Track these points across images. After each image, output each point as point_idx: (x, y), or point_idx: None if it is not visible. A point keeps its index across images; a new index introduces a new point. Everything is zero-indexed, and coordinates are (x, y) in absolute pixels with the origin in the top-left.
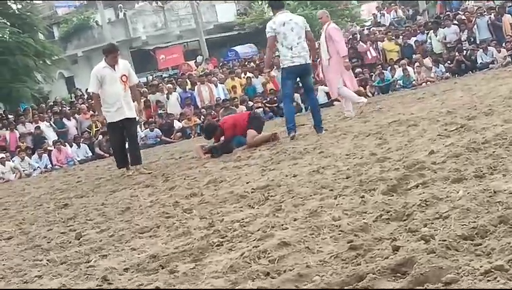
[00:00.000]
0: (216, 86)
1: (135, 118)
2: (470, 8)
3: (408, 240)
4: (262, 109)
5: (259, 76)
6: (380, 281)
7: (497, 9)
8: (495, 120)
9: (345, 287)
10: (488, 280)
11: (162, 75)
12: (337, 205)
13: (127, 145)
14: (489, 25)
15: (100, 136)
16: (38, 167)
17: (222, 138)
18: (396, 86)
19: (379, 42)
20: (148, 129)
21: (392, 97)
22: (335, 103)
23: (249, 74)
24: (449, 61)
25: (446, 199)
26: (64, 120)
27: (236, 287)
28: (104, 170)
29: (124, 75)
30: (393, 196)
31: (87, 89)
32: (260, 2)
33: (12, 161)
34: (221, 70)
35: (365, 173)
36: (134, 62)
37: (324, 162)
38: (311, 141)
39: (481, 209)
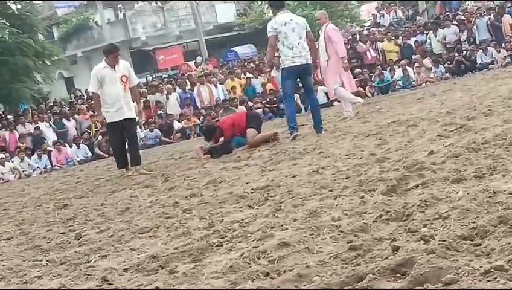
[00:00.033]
0: (216, 86)
1: (135, 118)
2: (469, 9)
3: (408, 241)
4: (261, 109)
5: (259, 76)
6: (380, 282)
7: (496, 9)
8: (494, 120)
9: (345, 288)
10: (488, 280)
11: (161, 76)
12: (336, 205)
13: (126, 146)
14: (489, 25)
15: (100, 137)
16: (37, 167)
17: (221, 139)
18: (396, 87)
19: (379, 43)
20: (148, 130)
21: (392, 98)
22: (334, 103)
23: (248, 75)
24: (449, 62)
25: (446, 199)
26: (64, 120)
27: (236, 288)
28: (103, 170)
29: (124, 75)
30: (392, 196)
31: (86, 89)
32: (260, 3)
33: (12, 162)
34: (220, 71)
35: (365, 173)
36: (133, 63)
37: (324, 162)
38: (310, 141)
39: (481, 210)
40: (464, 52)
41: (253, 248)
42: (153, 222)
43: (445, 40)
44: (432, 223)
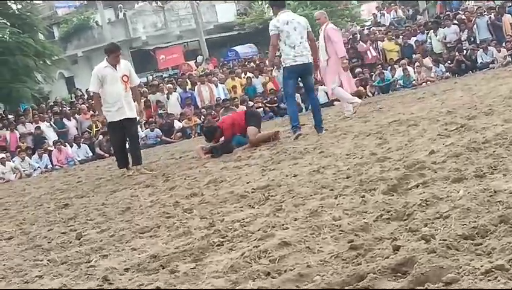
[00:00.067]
0: (216, 86)
1: (136, 118)
2: (470, 8)
3: (408, 240)
4: (262, 108)
5: (260, 76)
6: (381, 281)
7: (497, 9)
8: (495, 120)
9: (346, 287)
10: (489, 280)
11: (162, 75)
12: (337, 204)
13: (127, 145)
14: (489, 24)
15: (100, 136)
16: (38, 167)
17: (222, 139)
18: (397, 86)
19: (379, 42)
20: (149, 129)
21: (392, 97)
22: (335, 102)
23: (249, 74)
24: (449, 61)
25: (446, 198)
26: (65, 120)
27: (237, 287)
28: (104, 170)
29: (125, 75)
30: (393, 195)
31: (87, 89)
32: (260, 2)
33: (13, 161)
34: (221, 70)
35: (365, 172)
36: (134, 62)
37: (324, 162)
38: (311, 140)
39: (481, 209)
40: (465, 51)
41: (254, 247)
42: (153, 221)
43: (445, 39)
44: (433, 223)
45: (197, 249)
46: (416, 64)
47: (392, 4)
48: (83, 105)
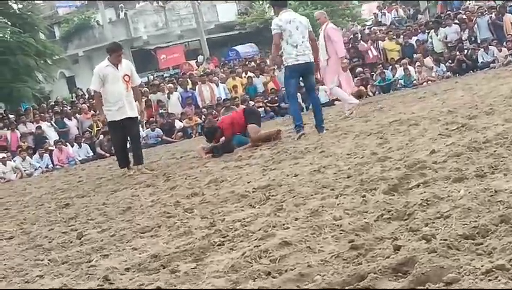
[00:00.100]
0: (217, 85)
1: (137, 117)
2: (470, 8)
3: (409, 240)
4: (263, 108)
5: (260, 76)
6: (381, 281)
7: (498, 8)
8: (496, 119)
9: (346, 287)
10: (489, 280)
11: (163, 75)
12: (338, 204)
13: (128, 145)
14: (490, 24)
15: (101, 136)
16: (39, 166)
17: (222, 138)
18: (397, 86)
19: (380, 42)
20: (149, 129)
21: (393, 96)
22: (336, 102)
23: (250, 74)
24: (450, 61)
25: (447, 198)
26: (65, 120)
27: (238, 287)
28: (105, 169)
29: (127, 74)
30: (394, 195)
31: (88, 88)
32: (261, 2)
33: (14, 161)
34: (222, 70)
35: (366, 172)
36: (135, 62)
37: (325, 161)
38: (312, 140)
39: (482, 209)
40: (465, 51)
41: (254, 247)
42: (154, 221)
43: (446, 39)
44: (434, 222)
45: (197, 248)
46: (417, 63)
47: (393, 4)
48: (83, 105)
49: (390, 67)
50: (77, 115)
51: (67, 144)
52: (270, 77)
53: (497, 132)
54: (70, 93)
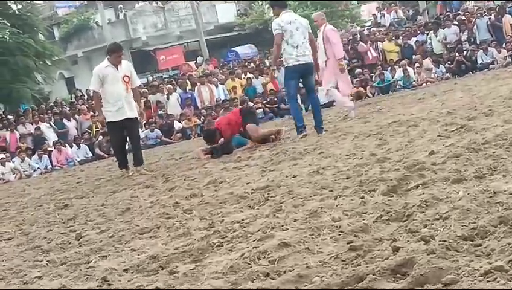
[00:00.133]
0: (216, 86)
1: (137, 118)
2: (470, 9)
3: (408, 241)
4: (262, 109)
5: (260, 77)
6: (380, 282)
7: (497, 9)
8: (495, 121)
9: (345, 288)
10: (488, 281)
11: (162, 76)
12: (337, 205)
13: (127, 146)
14: (489, 25)
15: (100, 137)
16: (38, 167)
17: (221, 139)
18: (397, 87)
19: (379, 43)
20: (149, 130)
21: (392, 98)
22: (335, 103)
23: (249, 75)
24: (449, 62)
25: (446, 199)
26: (65, 121)
27: (236, 288)
28: (104, 170)
29: (126, 75)
30: (393, 196)
31: (87, 89)
32: (260, 3)
33: (13, 162)
34: (221, 71)
35: (365, 173)
36: (134, 63)
37: (324, 162)
38: (311, 141)
39: (481, 210)
40: (465, 52)
41: (253, 248)
42: (153, 222)
43: (445, 40)
44: (432, 224)
45: (196, 250)
46: (416, 65)
47: (392, 5)
48: (82, 106)
49: (390, 68)
50: (76, 116)
51: (66, 145)
52: (269, 78)
53: (496, 133)
54: (70, 94)
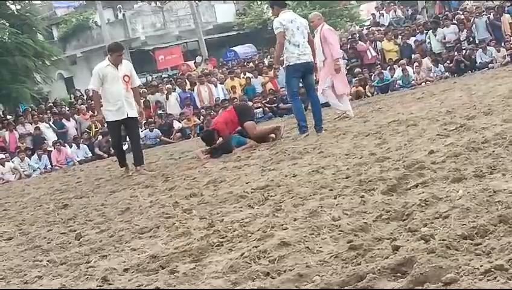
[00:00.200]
0: (215, 86)
1: (137, 117)
2: (469, 8)
3: (408, 240)
4: (261, 109)
5: (259, 76)
6: (380, 281)
7: (496, 8)
8: (494, 120)
9: (345, 287)
10: (488, 280)
11: (161, 76)
12: (336, 205)
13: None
14: (488, 24)
15: (100, 137)
16: (37, 167)
17: (220, 139)
18: (396, 86)
19: (378, 42)
20: (148, 129)
21: (392, 97)
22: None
23: (248, 74)
24: (448, 61)
25: (446, 198)
26: (64, 121)
27: (237, 288)
28: (103, 170)
29: (126, 75)
30: (393, 195)
31: (86, 89)
32: (259, 2)
33: (12, 162)
34: (220, 71)
35: (365, 172)
36: (133, 63)
37: (324, 162)
38: (310, 141)
39: (481, 209)
40: (464, 51)
41: (253, 247)
42: (153, 222)
43: (444, 39)
44: (432, 223)
45: (196, 249)
46: (416, 64)
47: (391, 4)
48: (82, 105)
49: (389, 67)
50: (75, 116)
51: (66, 144)
52: (270, 77)
53: (495, 132)
54: (69, 94)
